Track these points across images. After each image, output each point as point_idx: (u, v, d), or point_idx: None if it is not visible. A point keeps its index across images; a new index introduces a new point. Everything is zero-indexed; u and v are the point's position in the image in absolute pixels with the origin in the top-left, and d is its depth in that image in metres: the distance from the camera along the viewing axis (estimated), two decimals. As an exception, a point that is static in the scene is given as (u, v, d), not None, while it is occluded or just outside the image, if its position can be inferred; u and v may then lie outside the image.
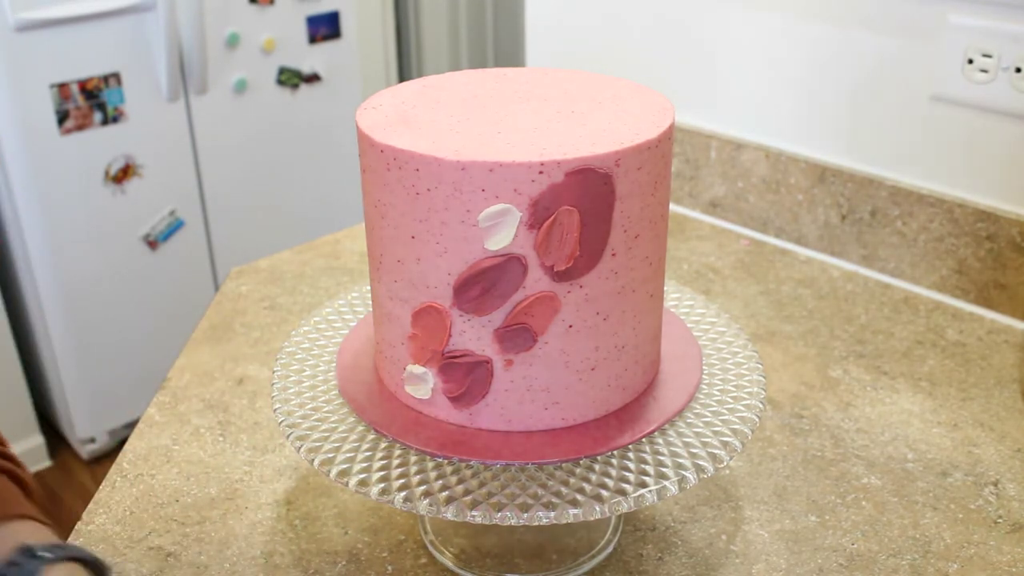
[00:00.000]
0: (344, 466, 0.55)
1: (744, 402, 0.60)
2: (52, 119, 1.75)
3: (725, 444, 0.57)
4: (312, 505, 0.70)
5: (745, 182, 1.10)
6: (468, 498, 0.53)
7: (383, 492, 0.53)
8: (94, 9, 1.73)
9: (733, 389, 0.62)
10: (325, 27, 2.09)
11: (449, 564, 0.65)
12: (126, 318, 1.98)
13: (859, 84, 0.99)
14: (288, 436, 0.58)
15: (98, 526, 0.68)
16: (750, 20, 1.06)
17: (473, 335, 0.55)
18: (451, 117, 0.56)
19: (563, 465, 0.55)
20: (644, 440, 0.57)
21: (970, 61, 0.90)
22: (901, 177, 0.99)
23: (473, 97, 0.60)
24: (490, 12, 2.67)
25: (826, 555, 0.65)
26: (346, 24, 2.13)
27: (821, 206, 1.04)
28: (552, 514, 0.51)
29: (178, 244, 2.01)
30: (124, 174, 1.88)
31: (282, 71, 2.05)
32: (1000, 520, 0.68)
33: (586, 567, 0.64)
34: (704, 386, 0.62)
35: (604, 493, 0.53)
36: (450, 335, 0.55)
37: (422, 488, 0.53)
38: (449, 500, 0.52)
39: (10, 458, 0.57)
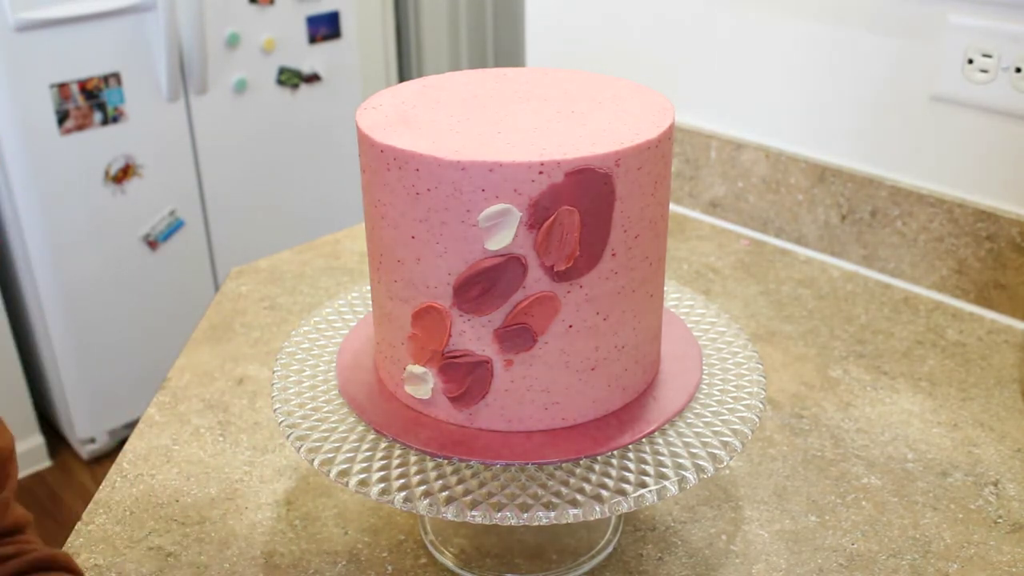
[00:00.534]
0: (344, 466, 0.55)
1: (744, 402, 0.60)
2: (52, 119, 1.75)
3: (725, 444, 0.57)
4: (312, 505, 0.70)
5: (745, 182, 1.10)
6: (468, 498, 0.53)
7: (383, 492, 0.53)
8: (94, 9, 1.73)
9: (733, 389, 0.62)
10: (325, 27, 2.09)
11: (449, 564, 0.65)
12: (126, 318, 1.98)
13: (859, 84, 0.99)
14: (288, 436, 0.58)
15: (98, 526, 0.68)
16: (750, 20, 1.06)
17: (473, 335, 0.55)
18: (451, 117, 0.56)
19: (563, 465, 0.55)
20: (644, 440, 0.57)
21: (970, 61, 0.90)
22: (901, 177, 0.99)
23: (473, 97, 0.60)
24: (490, 12, 2.67)
25: (826, 555, 0.65)
26: (346, 24, 2.12)
27: (821, 206, 1.04)
28: (552, 514, 0.51)
29: (178, 244, 2.01)
30: (124, 174, 1.88)
31: (282, 71, 2.05)
32: (1000, 520, 0.68)
33: (586, 567, 0.64)
34: (704, 386, 0.62)
35: (604, 493, 0.53)
36: (450, 335, 0.55)
37: (422, 488, 0.53)
38: (449, 500, 0.52)
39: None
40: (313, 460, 0.56)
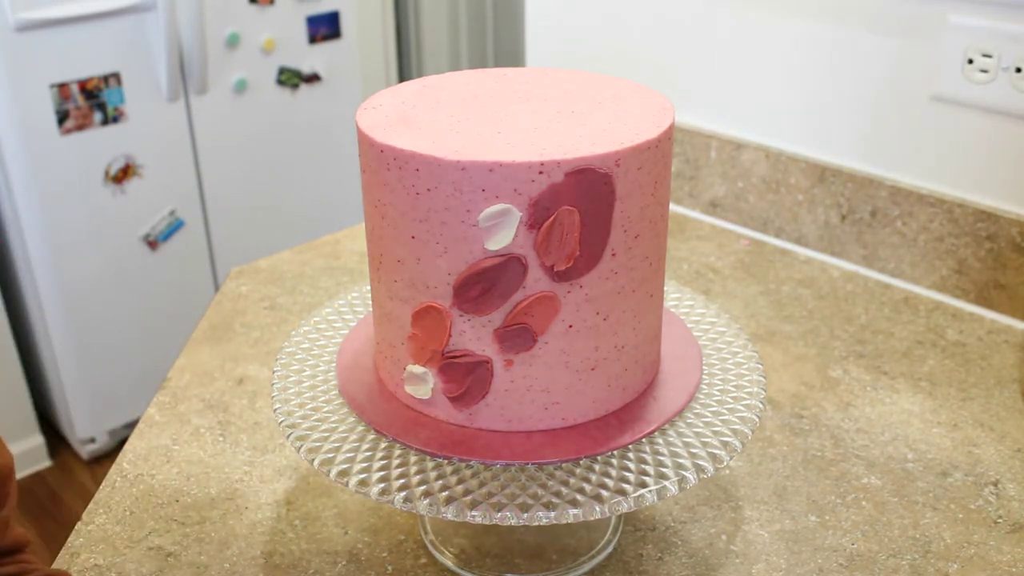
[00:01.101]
0: (344, 466, 0.55)
1: (744, 402, 0.60)
2: (52, 119, 1.75)
3: (725, 444, 0.57)
4: (312, 505, 0.70)
5: (745, 182, 1.10)
6: (468, 498, 0.53)
7: (383, 492, 0.53)
8: (94, 9, 1.73)
9: (733, 389, 0.62)
10: (325, 27, 2.09)
11: (449, 564, 0.65)
12: (126, 318, 1.98)
13: (859, 84, 0.99)
14: (288, 436, 0.58)
15: (98, 526, 0.68)
16: (750, 20, 1.06)
17: (473, 335, 0.55)
18: (451, 117, 0.56)
19: (563, 465, 0.55)
20: (644, 440, 0.57)
21: (970, 61, 0.90)
22: (901, 177, 0.99)
23: (473, 97, 0.60)
24: (490, 12, 2.67)
25: (826, 555, 0.65)
26: (346, 24, 2.12)
27: (821, 206, 1.04)
28: (552, 514, 0.51)
29: (178, 244, 2.01)
30: (124, 174, 1.88)
31: (282, 71, 2.05)
32: (1000, 520, 0.68)
33: (586, 567, 0.64)
34: (704, 386, 0.62)
35: (604, 493, 0.53)
36: (450, 335, 0.55)
37: (422, 488, 0.53)
38: (449, 500, 0.52)
39: None
40: (313, 460, 0.56)
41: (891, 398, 0.82)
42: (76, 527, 0.68)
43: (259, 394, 0.82)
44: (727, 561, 0.65)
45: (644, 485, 0.53)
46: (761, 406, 0.60)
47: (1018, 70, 0.87)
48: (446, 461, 0.56)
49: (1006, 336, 0.90)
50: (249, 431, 0.78)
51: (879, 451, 0.75)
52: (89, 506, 0.70)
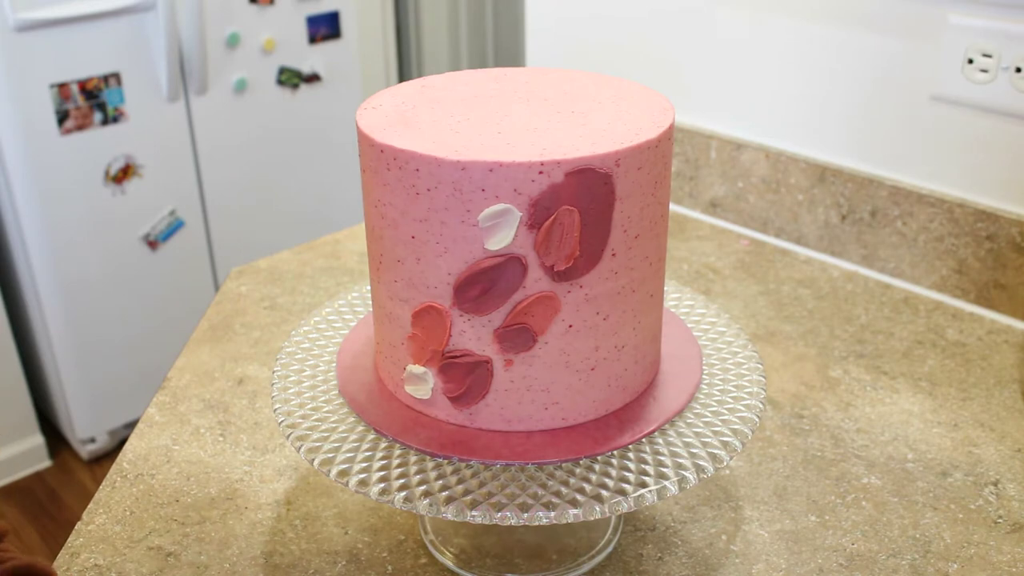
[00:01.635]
0: (344, 466, 0.55)
1: (744, 402, 0.60)
2: (52, 119, 1.75)
3: (725, 444, 0.57)
4: (312, 505, 0.70)
5: (745, 182, 1.10)
6: (468, 498, 0.53)
7: (383, 492, 0.53)
8: (94, 9, 1.73)
9: (733, 389, 0.62)
10: (325, 27, 2.09)
11: (449, 564, 0.65)
12: (126, 318, 1.98)
13: (859, 84, 0.99)
14: (288, 436, 0.58)
15: (98, 526, 0.68)
16: (750, 20, 1.06)
17: (473, 335, 0.55)
18: (451, 117, 0.56)
19: (563, 465, 0.55)
20: (644, 440, 0.57)
21: (970, 61, 0.90)
22: (901, 177, 0.99)
23: (473, 97, 0.60)
24: (490, 12, 2.67)
25: (826, 555, 0.65)
26: (346, 24, 2.13)
27: (821, 206, 1.04)
28: (552, 514, 0.51)
29: (178, 244, 2.01)
30: (124, 174, 1.88)
31: (282, 71, 2.05)
32: (1000, 520, 0.68)
33: (586, 567, 0.64)
34: (704, 386, 0.62)
35: (604, 493, 0.53)
36: (450, 335, 0.55)
37: (422, 488, 0.53)
38: (449, 500, 0.52)
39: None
40: (313, 460, 0.56)
41: (891, 398, 0.82)
42: (76, 527, 0.68)
43: (259, 394, 0.82)
44: (727, 561, 0.65)
45: (644, 485, 0.53)
46: (761, 406, 0.60)
47: (1018, 70, 0.87)
48: (446, 461, 0.56)
49: (1006, 336, 0.90)
50: (249, 431, 0.78)
51: (879, 451, 0.75)
52: (89, 506, 0.70)
